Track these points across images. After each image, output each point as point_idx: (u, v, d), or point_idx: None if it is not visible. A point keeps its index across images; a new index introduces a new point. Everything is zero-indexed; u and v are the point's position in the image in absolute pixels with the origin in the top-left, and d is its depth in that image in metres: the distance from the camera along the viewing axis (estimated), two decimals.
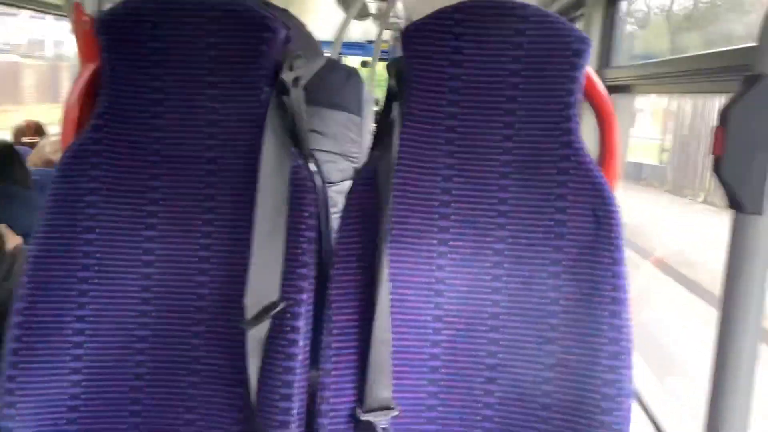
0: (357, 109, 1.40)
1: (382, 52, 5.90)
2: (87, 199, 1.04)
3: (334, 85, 1.37)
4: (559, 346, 1.02)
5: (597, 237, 1.02)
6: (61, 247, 1.04)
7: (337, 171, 1.36)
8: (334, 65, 1.40)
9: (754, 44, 0.78)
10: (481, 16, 1.02)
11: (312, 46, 1.36)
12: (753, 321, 0.79)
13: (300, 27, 1.36)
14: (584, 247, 1.02)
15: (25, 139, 3.51)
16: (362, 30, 6.21)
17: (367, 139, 1.34)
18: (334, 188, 1.35)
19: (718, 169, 0.78)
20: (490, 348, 1.04)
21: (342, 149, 1.37)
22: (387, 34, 6.07)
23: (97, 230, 1.04)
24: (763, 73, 0.75)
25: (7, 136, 3.51)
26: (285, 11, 1.36)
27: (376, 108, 1.78)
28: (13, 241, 1.81)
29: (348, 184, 1.12)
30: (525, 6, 1.02)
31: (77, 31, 1.17)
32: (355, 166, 1.38)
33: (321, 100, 1.34)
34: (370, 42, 6.62)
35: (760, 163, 0.75)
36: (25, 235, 1.90)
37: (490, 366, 1.04)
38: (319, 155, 1.28)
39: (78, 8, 1.18)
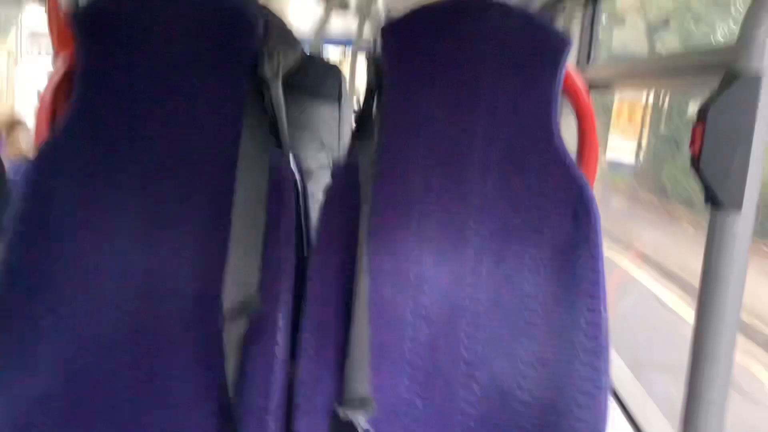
0: (336, 100, 1.39)
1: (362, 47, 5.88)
2: (60, 194, 1.03)
3: (312, 76, 1.37)
4: (538, 342, 1.03)
5: (576, 233, 1.02)
6: (33, 238, 1.02)
7: (315, 160, 1.36)
8: (313, 58, 1.40)
9: (733, 43, 0.79)
10: (461, 13, 1.02)
11: (289, 38, 1.35)
12: (730, 317, 0.80)
13: (276, 20, 1.35)
14: (563, 244, 1.03)
15: (2, 132, 3.46)
16: (343, 26, 6.18)
17: (346, 131, 1.34)
18: (311, 179, 1.34)
19: (696, 165, 0.78)
20: (469, 344, 1.04)
21: (320, 139, 1.36)
22: (368, 30, 6.05)
23: (71, 225, 1.03)
24: (742, 71, 0.75)
25: None
26: (262, 6, 1.35)
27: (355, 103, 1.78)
28: None
29: (326, 175, 1.11)
30: (505, 5, 1.02)
31: (51, 22, 1.15)
32: (333, 156, 1.38)
33: (301, 91, 1.34)
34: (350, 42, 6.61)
35: (740, 158, 0.76)
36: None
37: (469, 362, 1.04)
38: (296, 145, 1.28)
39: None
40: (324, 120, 1.37)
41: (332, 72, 1.41)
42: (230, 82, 1.04)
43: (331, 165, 1.33)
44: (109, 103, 1.03)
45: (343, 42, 7.30)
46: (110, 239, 1.04)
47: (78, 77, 1.04)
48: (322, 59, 1.45)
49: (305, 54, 1.39)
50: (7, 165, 2.62)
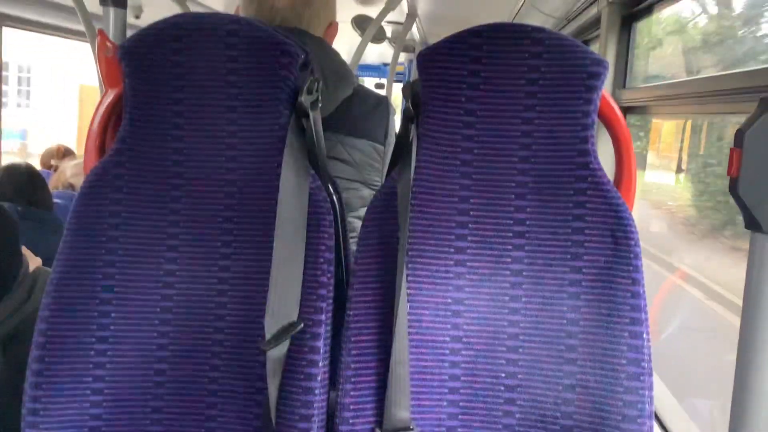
0: (382, 138, 1.41)
1: (397, 74, 5.94)
2: (109, 222, 1.06)
3: (360, 113, 1.38)
4: (579, 366, 1.02)
5: (615, 257, 1.02)
6: (82, 269, 1.05)
7: (358, 198, 1.37)
8: (363, 93, 1.41)
9: None
10: (497, 39, 1.03)
11: (343, 74, 1.37)
12: None
13: (333, 56, 1.38)
14: (602, 268, 1.02)
15: (53, 162, 3.57)
16: (378, 53, 6.25)
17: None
18: (353, 214, 1.35)
19: (734, 189, 0.78)
20: (509, 369, 1.04)
21: (364, 177, 1.38)
22: (402, 57, 6.10)
23: (119, 252, 1.06)
24: None
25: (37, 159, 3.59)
26: (319, 39, 1.38)
27: None
28: (33, 262, 1.83)
29: None
30: (541, 30, 1.03)
31: (100, 56, 1.19)
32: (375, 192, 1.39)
33: (346, 128, 1.35)
34: (386, 64, 6.68)
35: None
36: (45, 257, 1.93)
37: (510, 387, 1.04)
38: (341, 183, 1.29)
39: (102, 34, 1.21)
40: (369, 157, 1.38)
41: (381, 107, 1.42)
42: (271, 112, 1.06)
43: None
44: (157, 132, 1.07)
45: (378, 68, 7.39)
46: (156, 268, 1.07)
47: (126, 108, 1.07)
48: (371, 93, 1.46)
49: (357, 88, 1.41)
50: (52, 194, 2.70)
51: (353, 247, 1.14)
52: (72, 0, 2.69)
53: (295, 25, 1.35)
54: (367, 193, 1.39)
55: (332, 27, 1.44)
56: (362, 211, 1.34)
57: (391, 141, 1.42)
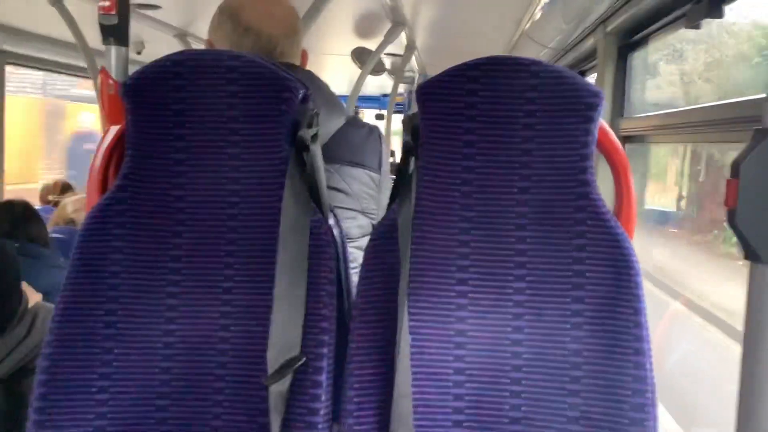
0: (376, 166, 1.42)
1: (397, 105, 6.00)
2: (111, 258, 1.06)
3: (354, 142, 1.40)
4: (583, 398, 1.02)
5: (617, 288, 1.02)
6: (85, 305, 1.05)
7: (357, 227, 1.38)
8: (355, 123, 1.43)
9: (764, 95, 0.80)
10: (494, 72, 1.04)
11: (334, 105, 1.39)
12: None
13: (323, 87, 1.39)
14: (604, 298, 1.02)
15: (51, 198, 3.58)
16: (377, 84, 6.31)
17: (386, 195, 1.36)
18: (353, 244, 1.36)
19: (732, 220, 0.78)
20: (513, 401, 1.03)
21: (361, 206, 1.39)
22: (402, 87, 6.17)
23: (121, 288, 1.06)
24: None
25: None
26: (308, 72, 1.40)
27: (391, 160, 1.81)
28: (33, 297, 1.83)
29: (367, 239, 1.13)
30: (537, 63, 1.04)
31: (103, 94, 1.21)
32: (373, 221, 1.40)
33: (342, 158, 1.37)
34: (385, 95, 6.74)
35: None
36: (44, 292, 1.93)
37: (514, 419, 1.03)
38: (338, 212, 1.30)
39: (104, 73, 1.22)
40: (365, 185, 1.39)
41: (373, 136, 1.44)
42: (272, 146, 1.07)
43: (372, 229, 1.35)
44: (159, 167, 1.08)
45: (378, 99, 7.46)
46: (159, 303, 1.07)
47: (128, 145, 1.08)
48: (363, 123, 1.48)
49: (349, 118, 1.42)
50: (53, 230, 2.71)
51: (354, 278, 1.14)
52: (75, 38, 2.72)
53: (288, 55, 1.37)
54: (365, 222, 1.40)
55: (304, 55, 1.46)
56: (361, 241, 1.34)
57: (385, 169, 1.44)
